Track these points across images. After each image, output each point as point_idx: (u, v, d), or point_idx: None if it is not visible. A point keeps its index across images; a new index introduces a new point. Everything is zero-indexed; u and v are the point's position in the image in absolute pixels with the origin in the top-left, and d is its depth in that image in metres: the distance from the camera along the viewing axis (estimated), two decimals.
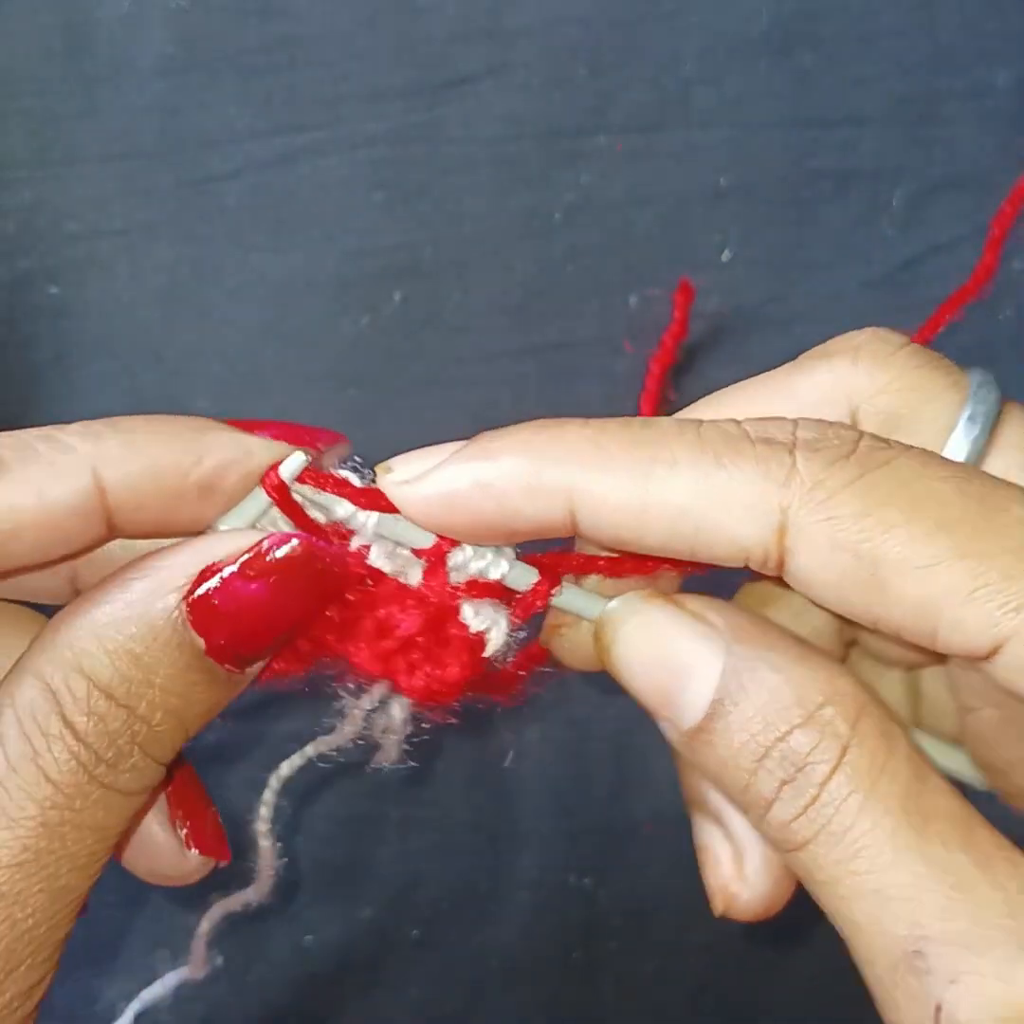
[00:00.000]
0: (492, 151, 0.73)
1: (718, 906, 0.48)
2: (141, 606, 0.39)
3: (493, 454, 0.43)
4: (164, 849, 0.45)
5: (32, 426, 0.68)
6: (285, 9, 0.73)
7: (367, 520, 0.45)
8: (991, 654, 0.36)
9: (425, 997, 0.76)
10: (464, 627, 0.46)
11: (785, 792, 0.39)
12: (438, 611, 0.46)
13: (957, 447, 0.42)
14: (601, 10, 0.73)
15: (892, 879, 0.37)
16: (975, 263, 0.64)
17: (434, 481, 0.43)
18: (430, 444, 0.72)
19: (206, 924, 0.52)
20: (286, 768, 0.50)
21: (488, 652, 0.47)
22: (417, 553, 0.46)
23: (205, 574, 0.39)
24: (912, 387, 0.43)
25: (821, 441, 0.39)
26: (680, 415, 0.46)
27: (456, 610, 0.46)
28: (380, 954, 0.76)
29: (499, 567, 0.46)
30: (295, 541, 0.41)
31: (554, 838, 0.76)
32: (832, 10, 0.73)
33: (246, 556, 0.40)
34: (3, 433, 0.42)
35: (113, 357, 0.73)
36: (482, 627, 0.47)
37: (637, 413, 0.63)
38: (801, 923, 0.70)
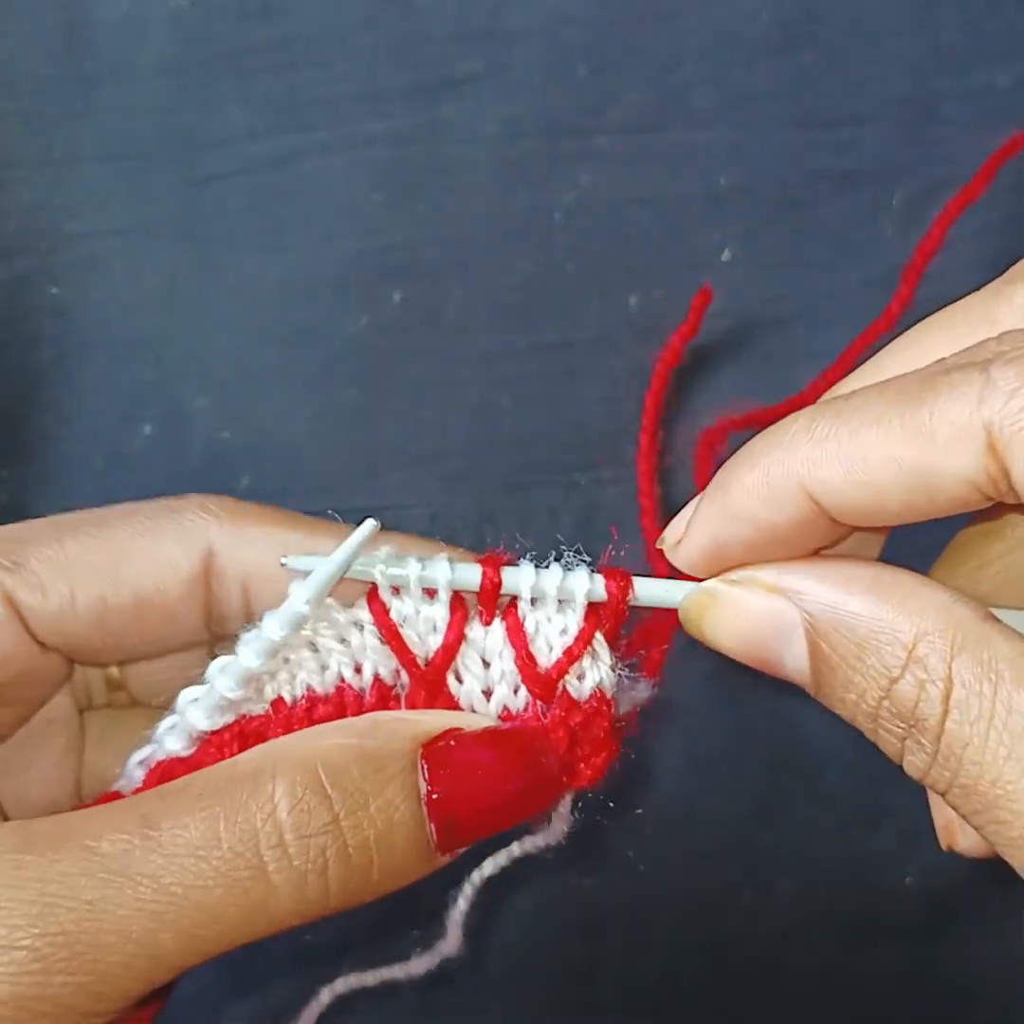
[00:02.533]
0: (492, 151, 0.73)
1: (943, 842, 0.48)
2: (384, 739, 0.41)
3: (726, 482, 0.42)
4: None
5: (32, 426, 0.68)
6: (285, 9, 0.72)
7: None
8: None
9: (425, 997, 0.76)
10: (578, 704, 0.46)
11: (908, 748, 0.39)
12: (562, 715, 0.45)
13: None
14: (601, 10, 0.73)
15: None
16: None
17: (694, 532, 0.43)
18: (430, 447, 0.73)
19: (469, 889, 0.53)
20: (489, 867, 0.50)
21: (610, 695, 0.46)
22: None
23: (447, 734, 0.42)
24: None
25: (1014, 350, 0.37)
26: (878, 362, 0.46)
27: (566, 695, 0.46)
28: (381, 954, 0.76)
29: (580, 584, 0.45)
30: (535, 744, 0.44)
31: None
32: (832, 10, 0.73)
33: (486, 735, 0.43)
34: (131, 506, 0.46)
35: (113, 357, 0.73)
36: (594, 686, 0.46)
37: (640, 412, 0.63)
38: (802, 923, 0.70)
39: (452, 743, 0.41)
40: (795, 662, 0.40)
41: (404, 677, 0.46)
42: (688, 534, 0.43)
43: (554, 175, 0.73)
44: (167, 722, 0.45)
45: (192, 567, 0.46)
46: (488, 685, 0.45)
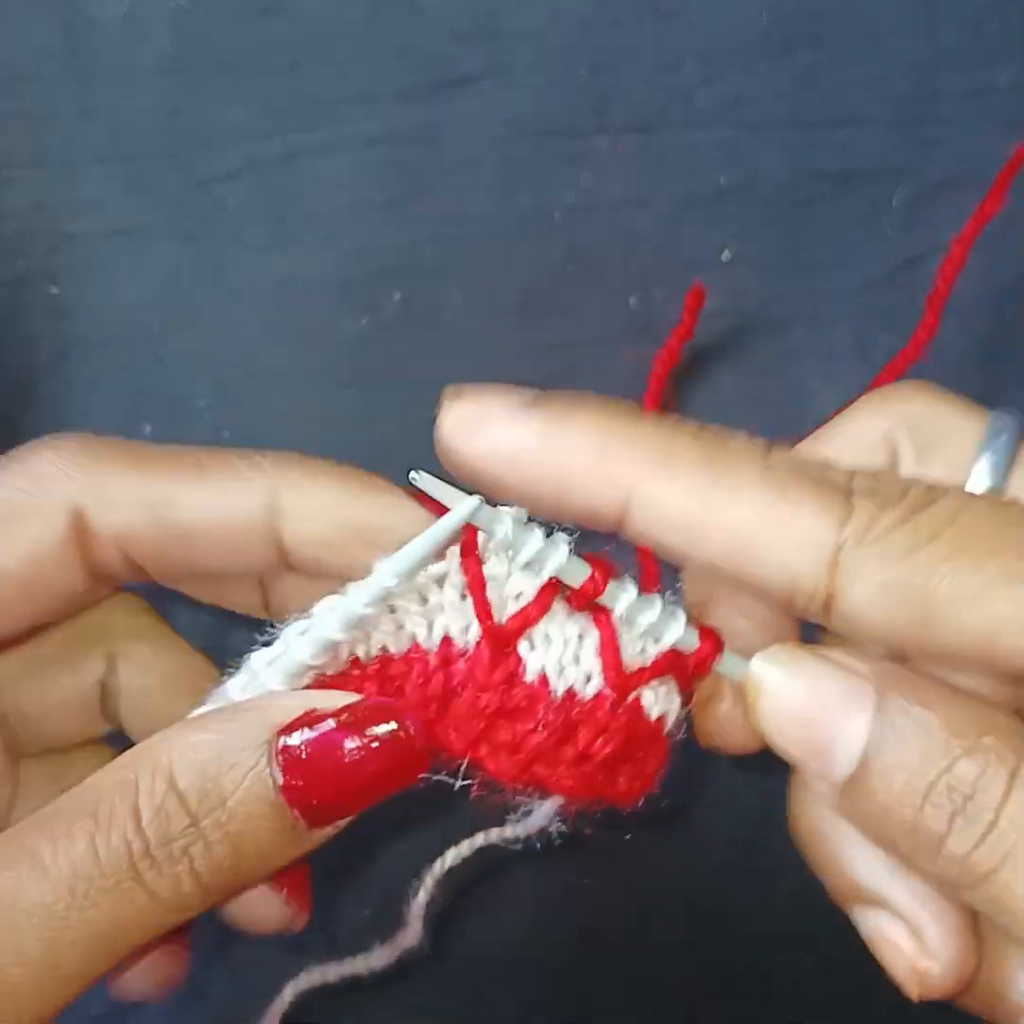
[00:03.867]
0: (492, 151, 0.73)
1: (914, 990, 0.45)
2: (237, 732, 0.41)
3: (565, 426, 0.42)
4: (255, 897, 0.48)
5: (32, 426, 0.69)
6: (285, 9, 0.73)
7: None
8: None
9: (425, 997, 0.76)
10: (645, 718, 0.45)
11: (958, 823, 0.38)
12: (626, 719, 0.44)
13: (981, 468, 0.44)
14: (601, 10, 0.73)
15: None
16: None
17: (499, 431, 0.43)
18: (431, 444, 0.72)
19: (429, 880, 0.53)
20: (452, 858, 0.50)
21: (668, 732, 0.46)
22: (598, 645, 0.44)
23: (301, 720, 0.41)
24: (940, 416, 0.46)
25: (875, 487, 0.40)
26: None
27: (637, 703, 0.45)
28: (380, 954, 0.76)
29: (671, 630, 0.44)
30: (393, 724, 0.42)
31: (554, 838, 0.75)
32: (832, 10, 0.73)
33: (345, 714, 0.41)
34: (214, 449, 0.45)
35: (113, 357, 0.73)
36: (662, 711, 0.46)
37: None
38: (801, 923, 0.70)
39: (308, 729, 0.41)
40: (851, 742, 0.40)
41: (471, 634, 0.44)
42: (490, 428, 0.43)
43: (554, 175, 0.73)
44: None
45: (257, 514, 0.45)
46: (561, 663, 0.44)
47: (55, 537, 0.43)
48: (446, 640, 0.44)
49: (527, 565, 0.43)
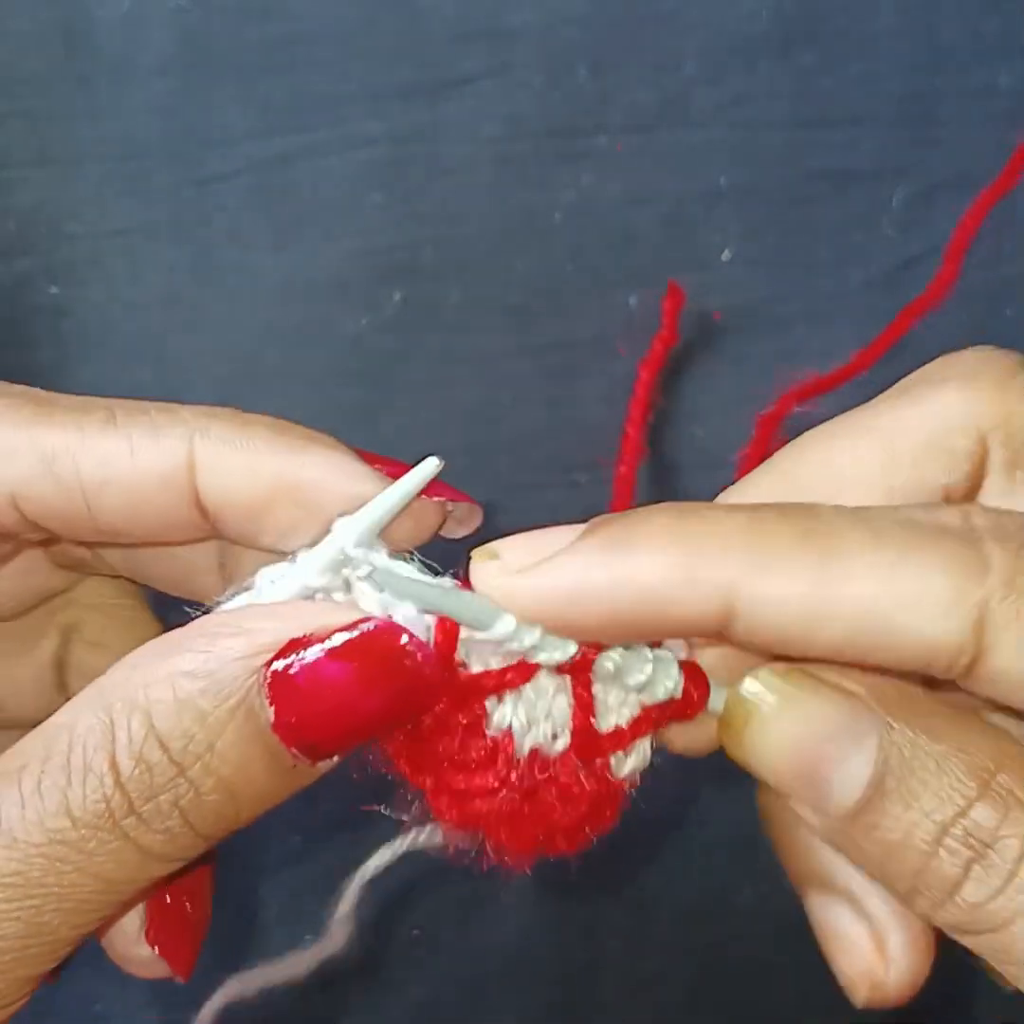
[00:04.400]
0: (492, 151, 0.73)
1: (862, 994, 0.43)
2: (221, 662, 0.35)
3: (635, 544, 0.37)
4: (125, 928, 0.43)
5: None
6: (285, 9, 0.72)
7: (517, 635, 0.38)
8: None
9: (425, 997, 0.76)
10: (611, 778, 0.41)
11: (975, 871, 0.36)
12: (593, 785, 0.41)
13: None
14: (601, 10, 0.73)
15: None
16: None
17: (560, 572, 0.37)
18: (431, 444, 0.72)
19: (357, 885, 0.51)
20: (373, 866, 0.47)
21: (628, 787, 0.42)
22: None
23: (293, 645, 0.35)
24: None
25: (1005, 528, 0.36)
26: (780, 463, 0.42)
27: (606, 764, 0.40)
28: (380, 954, 0.76)
29: (662, 686, 0.40)
30: (396, 648, 0.36)
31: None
32: (832, 10, 0.73)
33: (340, 635, 0.36)
34: (135, 400, 0.40)
35: (113, 357, 0.73)
36: (632, 769, 0.42)
37: (627, 415, 0.63)
38: (801, 923, 0.69)
39: (299, 659, 0.35)
40: (852, 774, 0.36)
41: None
42: (550, 570, 0.37)
43: (554, 175, 0.73)
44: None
45: (166, 466, 0.39)
46: (529, 720, 0.40)
47: None
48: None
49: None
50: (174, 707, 0.35)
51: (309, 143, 0.73)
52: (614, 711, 0.40)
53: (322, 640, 0.36)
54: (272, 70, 0.72)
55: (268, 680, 0.35)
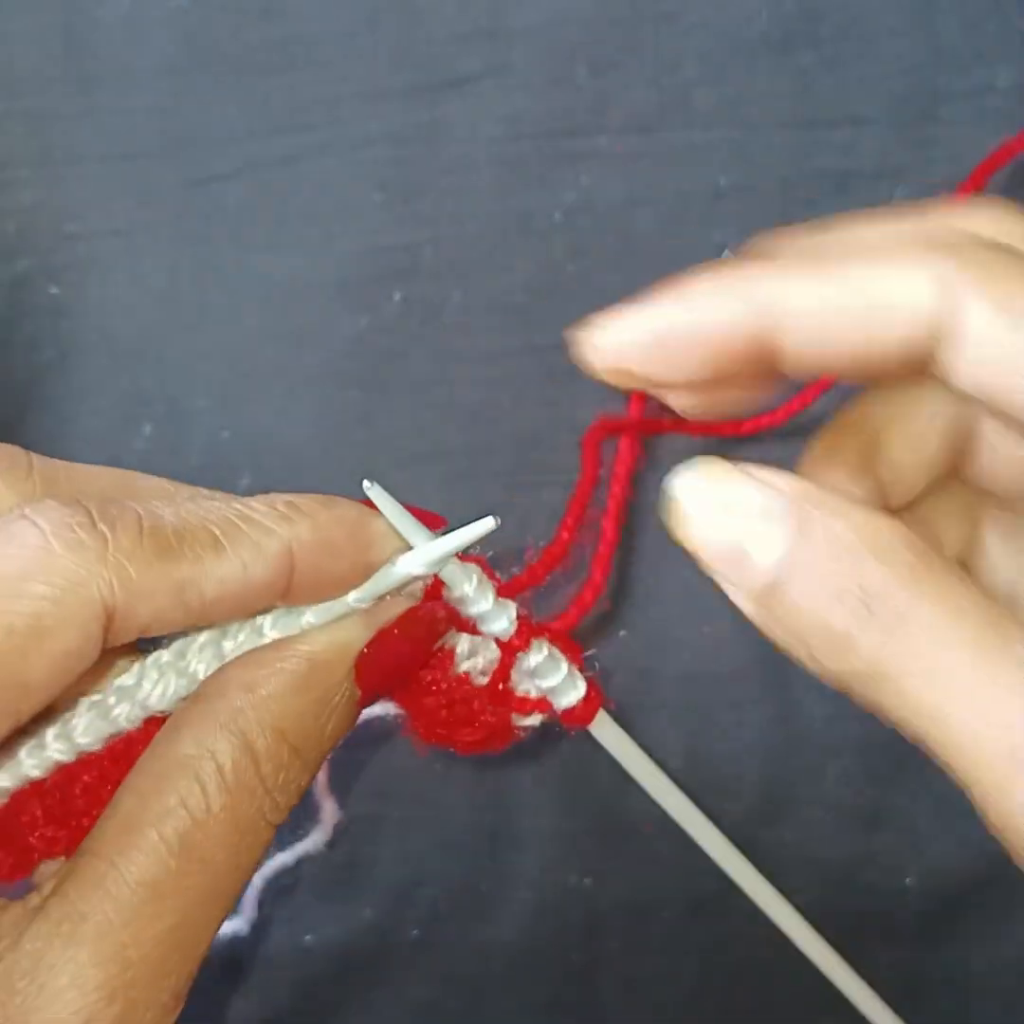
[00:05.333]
0: (492, 151, 0.73)
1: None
2: (326, 669, 0.43)
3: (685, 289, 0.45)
4: None
5: (32, 426, 0.68)
6: (285, 9, 0.73)
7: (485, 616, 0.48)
8: None
9: (425, 997, 0.76)
10: (507, 722, 0.50)
11: (863, 620, 0.39)
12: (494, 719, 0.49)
13: None
14: (601, 10, 0.73)
15: (986, 693, 0.37)
16: None
17: (635, 320, 0.46)
18: (430, 447, 0.72)
19: (259, 880, 0.57)
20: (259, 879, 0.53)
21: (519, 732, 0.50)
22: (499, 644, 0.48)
23: (380, 637, 0.45)
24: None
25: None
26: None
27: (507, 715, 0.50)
28: (380, 954, 0.76)
29: (567, 695, 0.49)
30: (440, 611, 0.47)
31: (554, 838, 0.75)
32: (832, 10, 0.73)
33: (405, 621, 0.45)
34: (206, 508, 0.44)
35: (113, 357, 0.73)
36: (525, 726, 0.50)
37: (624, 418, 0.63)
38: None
39: (378, 647, 0.44)
40: (769, 548, 0.40)
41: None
42: (625, 322, 0.46)
43: (554, 175, 0.73)
44: None
45: (274, 580, 0.45)
46: (471, 653, 0.49)
47: (86, 646, 0.40)
48: None
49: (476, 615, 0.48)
50: (299, 717, 0.42)
51: (309, 143, 0.73)
52: (526, 683, 0.49)
53: (393, 628, 0.45)
54: (272, 70, 0.73)
55: (359, 676, 0.44)
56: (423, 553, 0.45)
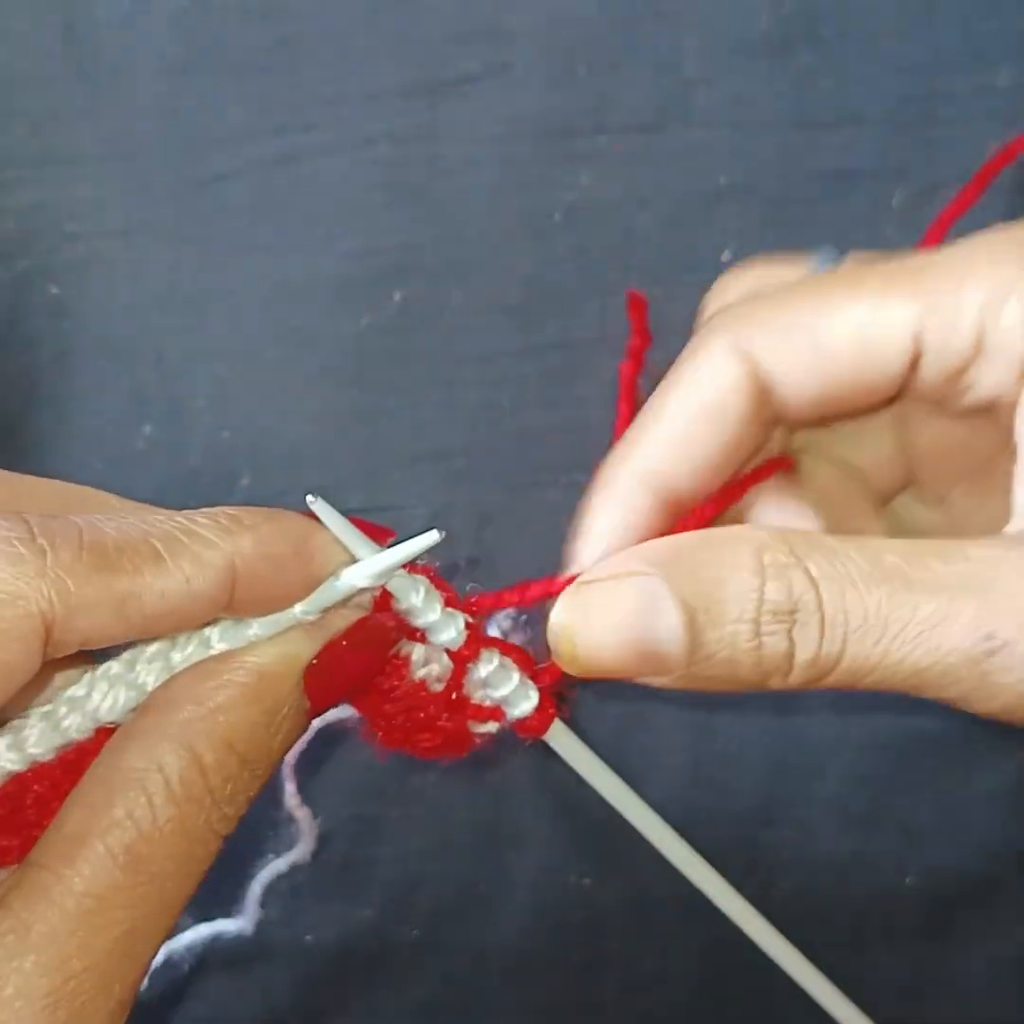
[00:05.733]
0: (492, 151, 0.73)
1: None
2: (274, 681, 0.43)
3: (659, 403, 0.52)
4: None
5: (32, 426, 0.68)
6: (285, 9, 0.73)
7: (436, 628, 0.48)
8: None
9: (425, 997, 0.76)
10: (464, 728, 0.50)
11: (797, 636, 0.42)
12: (451, 727, 0.50)
13: None
14: (601, 10, 0.73)
15: (924, 611, 0.41)
16: None
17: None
18: (430, 447, 0.72)
19: (257, 887, 0.57)
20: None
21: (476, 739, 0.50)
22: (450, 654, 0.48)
23: (328, 649, 0.44)
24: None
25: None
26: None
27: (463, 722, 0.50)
28: (380, 954, 0.76)
29: (509, 693, 0.49)
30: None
31: (554, 838, 0.75)
32: (832, 10, 0.73)
33: (353, 632, 0.45)
34: (149, 521, 0.43)
35: (113, 357, 0.73)
36: (482, 732, 0.50)
37: (616, 420, 0.63)
38: (801, 923, 0.69)
39: (327, 658, 0.44)
40: (670, 630, 0.42)
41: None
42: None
43: (554, 175, 0.73)
44: None
45: (217, 593, 0.45)
46: (425, 658, 0.49)
47: (25, 660, 0.40)
48: None
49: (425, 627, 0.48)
50: (250, 730, 0.42)
51: (309, 143, 0.73)
52: (481, 692, 0.50)
53: (342, 639, 0.45)
54: (272, 70, 0.72)
55: (307, 687, 0.44)
56: (367, 566, 0.45)
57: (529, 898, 0.76)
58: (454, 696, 0.49)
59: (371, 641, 0.46)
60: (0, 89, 0.72)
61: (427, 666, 0.48)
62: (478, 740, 0.50)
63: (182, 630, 0.45)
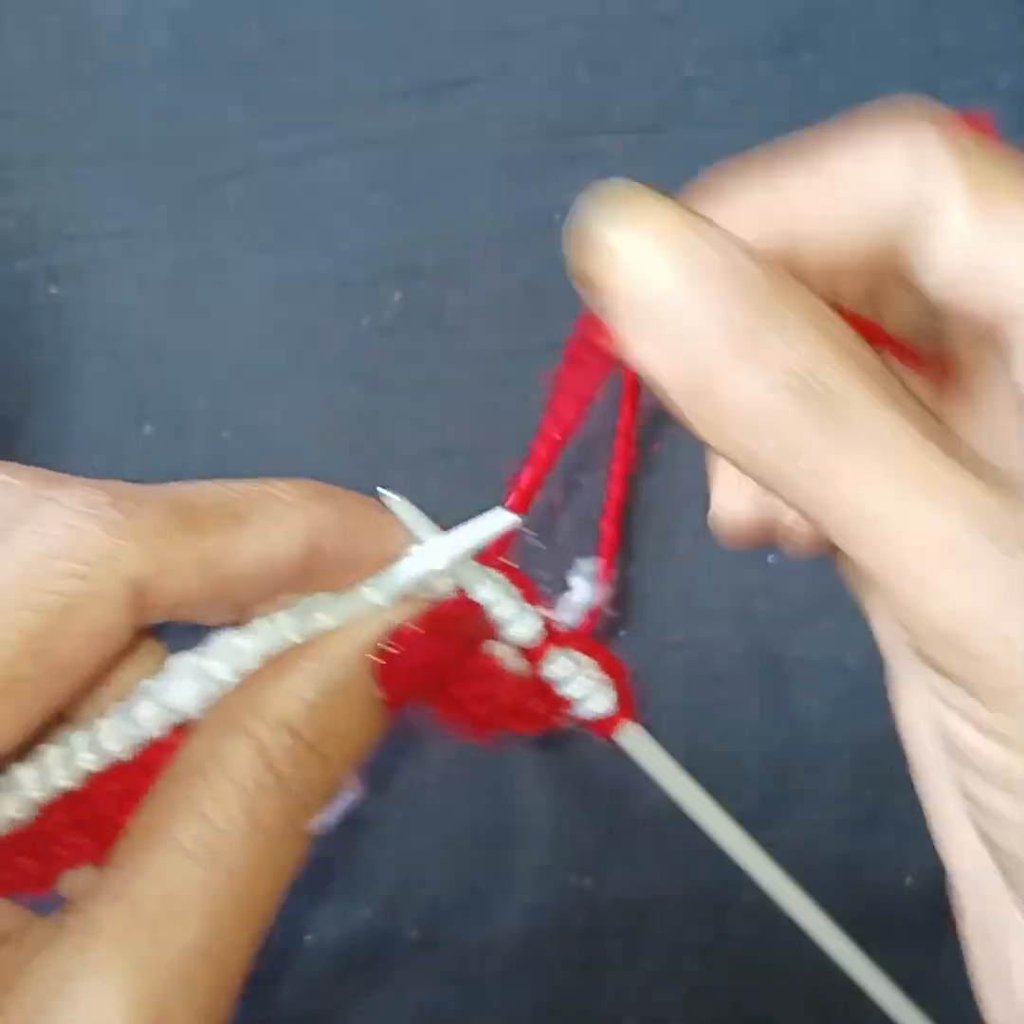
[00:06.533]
0: (492, 151, 0.73)
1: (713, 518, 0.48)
2: (336, 662, 0.42)
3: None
4: None
5: (32, 427, 0.68)
6: (285, 9, 0.73)
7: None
8: None
9: (425, 997, 0.76)
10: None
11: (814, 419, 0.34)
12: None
13: None
14: (601, 10, 0.73)
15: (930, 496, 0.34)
16: None
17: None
18: (430, 447, 0.72)
19: None
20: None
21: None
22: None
23: (398, 635, 0.43)
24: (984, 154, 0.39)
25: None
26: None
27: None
28: (380, 954, 0.76)
29: (583, 695, 0.48)
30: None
31: (554, 838, 0.76)
32: (832, 10, 0.73)
33: (427, 619, 0.43)
34: (229, 485, 0.44)
35: (113, 357, 0.73)
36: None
37: (618, 420, 0.63)
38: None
39: (399, 643, 0.42)
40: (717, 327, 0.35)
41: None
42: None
43: (554, 175, 0.73)
44: None
45: (298, 555, 0.45)
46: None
47: (117, 623, 0.40)
48: None
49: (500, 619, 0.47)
50: (308, 712, 0.40)
51: (309, 143, 0.73)
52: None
53: (416, 625, 0.43)
54: (272, 70, 0.73)
55: (379, 672, 0.42)
56: (441, 547, 0.44)
57: (529, 898, 0.76)
58: (535, 680, 0.47)
59: (445, 630, 0.44)
60: (0, 89, 0.72)
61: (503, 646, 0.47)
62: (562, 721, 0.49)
63: (260, 599, 0.44)
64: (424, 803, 0.75)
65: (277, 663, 0.43)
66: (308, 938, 0.76)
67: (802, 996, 0.75)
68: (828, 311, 0.36)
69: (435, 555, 0.44)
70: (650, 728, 0.73)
